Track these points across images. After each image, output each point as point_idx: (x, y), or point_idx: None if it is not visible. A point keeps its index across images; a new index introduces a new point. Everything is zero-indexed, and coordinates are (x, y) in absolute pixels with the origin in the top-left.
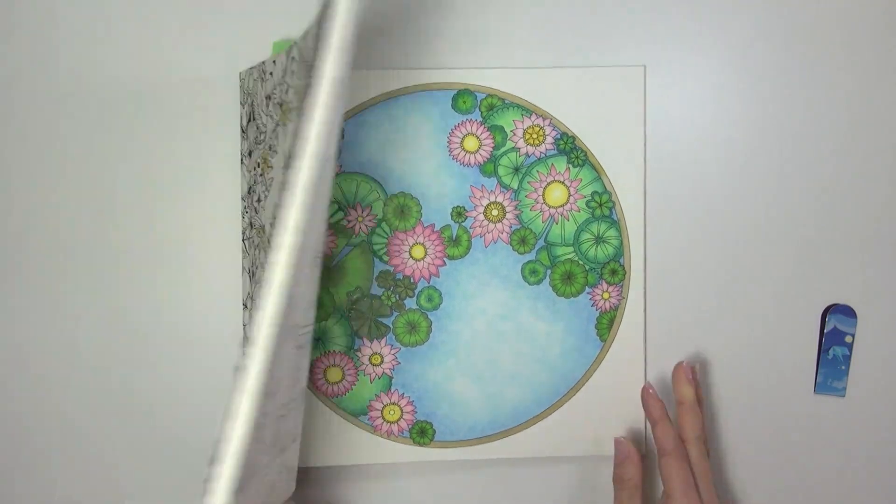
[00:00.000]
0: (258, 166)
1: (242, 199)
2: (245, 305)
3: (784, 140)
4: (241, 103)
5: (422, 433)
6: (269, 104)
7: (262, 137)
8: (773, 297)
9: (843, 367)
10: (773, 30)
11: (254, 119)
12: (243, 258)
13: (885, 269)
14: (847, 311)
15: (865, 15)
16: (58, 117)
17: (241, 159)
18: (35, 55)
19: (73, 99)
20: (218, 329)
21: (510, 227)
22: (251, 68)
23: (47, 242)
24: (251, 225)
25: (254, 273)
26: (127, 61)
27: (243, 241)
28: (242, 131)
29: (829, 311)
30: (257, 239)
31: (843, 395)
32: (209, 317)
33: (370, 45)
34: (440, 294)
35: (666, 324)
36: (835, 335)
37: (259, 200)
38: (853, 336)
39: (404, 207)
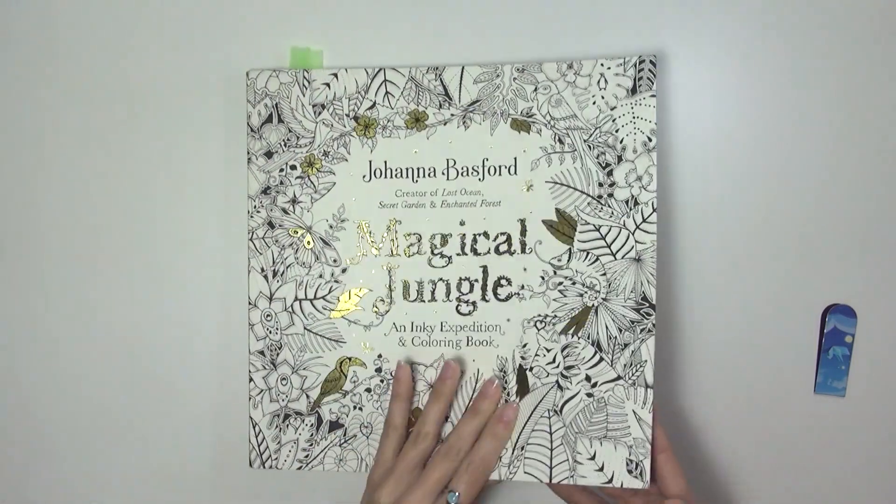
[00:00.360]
0: (293, 168)
1: (251, 198)
2: (254, 304)
3: (784, 140)
4: (249, 102)
5: None
6: (326, 113)
7: (304, 142)
8: (773, 297)
9: (843, 367)
10: (774, 29)
11: (281, 121)
12: (251, 257)
13: (885, 269)
14: (847, 311)
15: (866, 14)
16: (62, 116)
17: (249, 158)
18: (41, 54)
19: (75, 97)
20: (221, 327)
21: None
22: (275, 71)
23: (51, 241)
24: (270, 224)
25: (275, 272)
26: (132, 59)
27: (252, 240)
28: (253, 130)
29: (829, 311)
30: (290, 238)
31: (844, 395)
32: (212, 314)
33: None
34: None
35: (668, 323)
36: (835, 335)
37: (295, 202)
38: (853, 336)
39: None
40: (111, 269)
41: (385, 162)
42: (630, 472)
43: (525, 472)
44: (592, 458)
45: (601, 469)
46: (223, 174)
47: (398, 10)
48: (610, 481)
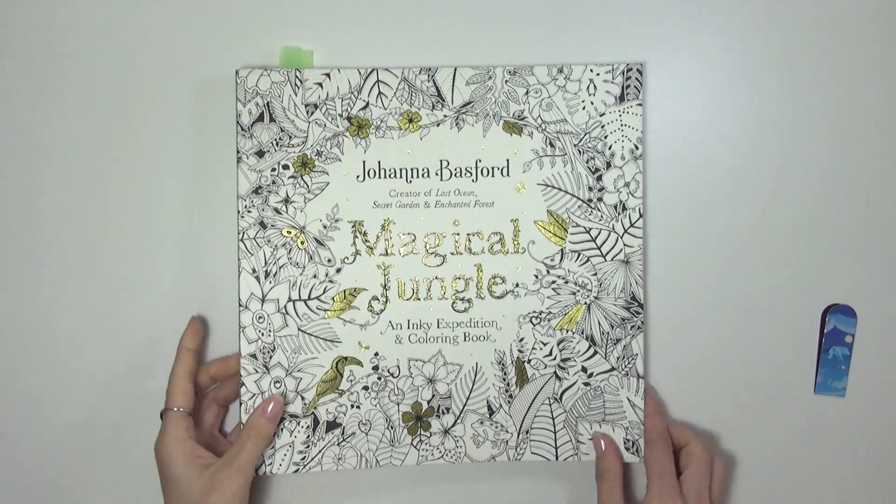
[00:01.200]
0: (284, 168)
1: (242, 198)
2: (245, 306)
3: (784, 140)
4: (239, 101)
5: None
6: (319, 113)
7: (296, 141)
8: (774, 297)
9: (843, 367)
10: (773, 29)
11: (273, 120)
12: (242, 258)
13: (885, 269)
14: (847, 311)
15: (866, 14)
16: (51, 116)
17: (240, 157)
18: (34, 54)
19: (65, 97)
20: (214, 329)
21: None
22: (266, 69)
23: (40, 244)
24: (262, 225)
25: (268, 273)
26: (121, 58)
27: (242, 241)
28: (243, 129)
29: (829, 311)
30: (282, 239)
31: (843, 395)
32: (204, 315)
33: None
34: None
35: (667, 323)
36: (835, 335)
37: (288, 201)
38: (853, 336)
39: None
40: (105, 267)
41: (378, 162)
42: (627, 449)
43: (532, 453)
44: (593, 438)
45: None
46: (212, 174)
47: (389, 11)
48: None
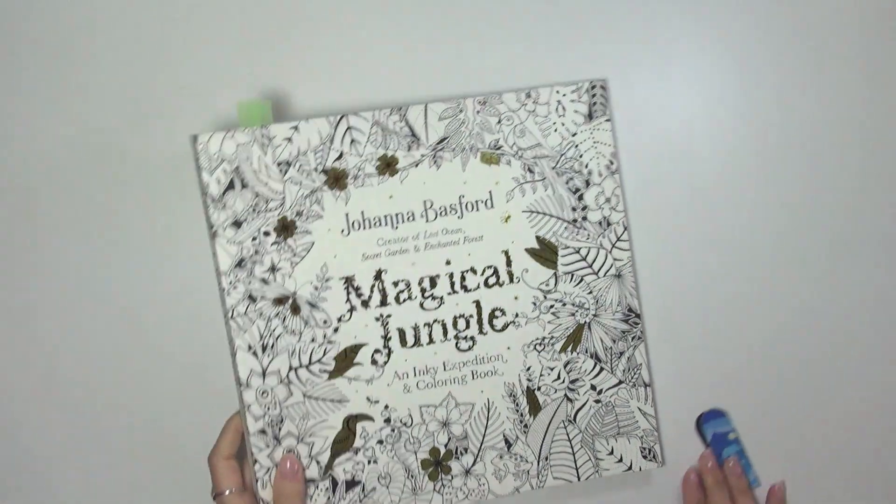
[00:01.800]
0: (265, 235)
1: (224, 273)
2: (247, 384)
3: (774, 145)
4: (203, 169)
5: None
6: (293, 170)
7: (273, 205)
8: (767, 302)
9: (744, 461)
10: (768, 32)
11: (245, 186)
12: (235, 336)
13: (874, 270)
14: (715, 415)
15: (858, 17)
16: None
17: (216, 231)
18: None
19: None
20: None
21: None
22: (229, 131)
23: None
24: (251, 298)
25: (265, 346)
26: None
27: (232, 318)
28: (214, 200)
29: (701, 422)
30: (274, 309)
31: (759, 485)
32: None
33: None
34: None
35: (665, 325)
36: (719, 441)
37: (275, 269)
38: (735, 431)
39: None
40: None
41: (362, 212)
42: (645, 457)
43: (554, 478)
44: (611, 452)
45: (620, 460)
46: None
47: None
48: (630, 468)
